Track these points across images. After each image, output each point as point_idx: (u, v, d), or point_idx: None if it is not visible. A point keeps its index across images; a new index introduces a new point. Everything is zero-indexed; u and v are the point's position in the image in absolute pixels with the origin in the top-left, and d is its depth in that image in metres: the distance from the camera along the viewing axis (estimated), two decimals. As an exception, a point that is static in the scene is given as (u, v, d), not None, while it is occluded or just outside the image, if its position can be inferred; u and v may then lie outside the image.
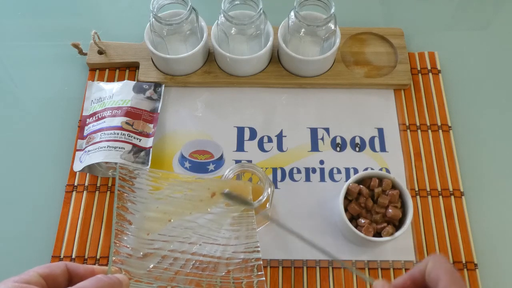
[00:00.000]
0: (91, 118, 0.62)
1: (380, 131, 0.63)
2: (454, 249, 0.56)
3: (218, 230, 0.45)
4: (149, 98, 0.63)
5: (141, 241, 0.41)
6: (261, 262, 0.43)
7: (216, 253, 0.44)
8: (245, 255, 0.44)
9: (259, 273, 0.43)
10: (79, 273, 0.36)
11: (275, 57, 0.67)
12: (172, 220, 0.44)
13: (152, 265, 0.41)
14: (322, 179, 0.60)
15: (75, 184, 0.60)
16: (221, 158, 0.61)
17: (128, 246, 0.40)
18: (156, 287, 0.40)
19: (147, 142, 0.60)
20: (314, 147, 0.62)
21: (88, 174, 0.60)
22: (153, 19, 0.60)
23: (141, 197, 0.44)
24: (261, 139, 0.63)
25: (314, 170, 0.61)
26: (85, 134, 0.61)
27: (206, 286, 0.42)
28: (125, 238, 0.40)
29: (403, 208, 0.53)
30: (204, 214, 0.45)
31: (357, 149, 0.62)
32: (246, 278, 0.43)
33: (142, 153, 0.59)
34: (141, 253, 0.41)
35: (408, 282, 0.38)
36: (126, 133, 0.59)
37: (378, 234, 0.52)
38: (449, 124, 0.64)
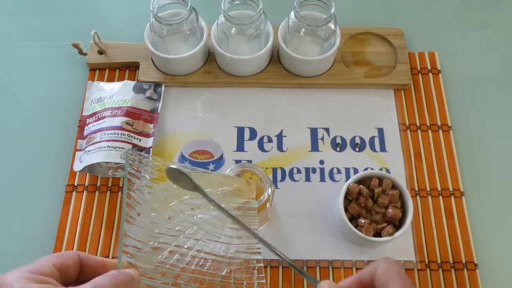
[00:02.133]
0: (91, 118, 0.62)
1: (380, 131, 0.63)
2: (454, 249, 0.56)
3: (222, 228, 0.45)
4: (149, 98, 0.63)
5: (149, 234, 0.41)
6: (262, 264, 0.43)
7: (220, 252, 0.43)
8: (247, 256, 0.44)
9: (260, 275, 0.42)
10: (89, 265, 0.35)
11: (275, 57, 0.67)
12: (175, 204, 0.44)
13: (158, 260, 0.40)
14: (322, 179, 0.60)
15: (75, 184, 0.60)
16: (221, 158, 0.61)
17: (137, 239, 0.39)
18: (161, 283, 0.39)
19: (147, 142, 0.60)
20: (314, 147, 0.62)
21: (88, 174, 0.60)
22: (153, 19, 0.60)
23: (150, 187, 0.43)
24: (261, 139, 0.63)
25: (314, 170, 0.61)
26: (85, 134, 0.61)
27: (207, 284, 0.41)
28: (134, 230, 0.39)
29: (403, 208, 0.53)
30: (208, 209, 0.45)
31: (357, 149, 0.62)
32: (247, 279, 0.42)
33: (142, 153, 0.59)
34: (150, 246, 0.40)
35: (354, 284, 0.37)
36: (126, 133, 0.59)
37: (378, 234, 0.52)
38: (449, 124, 0.64)
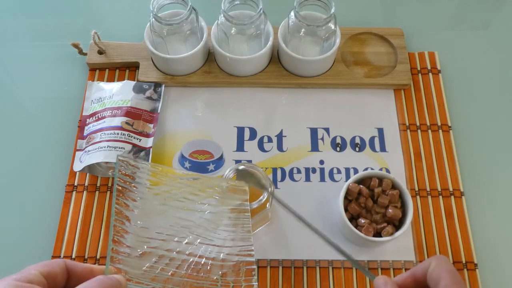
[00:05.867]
0: (91, 118, 0.62)
1: (380, 131, 0.63)
2: (454, 249, 0.56)
3: (214, 231, 0.45)
4: (149, 98, 0.63)
5: (139, 239, 0.41)
6: (255, 266, 0.43)
7: (211, 254, 0.43)
8: (239, 258, 0.44)
9: (254, 277, 0.42)
10: (77, 272, 0.35)
11: (275, 57, 0.67)
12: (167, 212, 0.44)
13: (148, 265, 0.41)
14: (322, 179, 0.60)
15: (75, 184, 0.60)
16: (221, 158, 0.61)
17: (126, 244, 0.40)
18: None
19: (147, 142, 0.60)
20: (314, 147, 0.62)
21: (88, 174, 0.60)
22: (153, 19, 0.60)
23: (141, 192, 0.43)
24: (261, 139, 0.63)
25: (314, 170, 0.61)
26: (85, 134, 0.61)
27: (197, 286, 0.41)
28: (124, 235, 0.40)
29: (403, 208, 0.53)
30: (201, 213, 0.45)
31: (357, 149, 0.62)
32: (238, 282, 0.42)
33: (142, 153, 0.59)
34: (139, 252, 0.41)
35: (409, 280, 0.38)
36: (126, 133, 0.59)
37: (378, 234, 0.52)
38: (449, 124, 0.64)
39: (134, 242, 0.40)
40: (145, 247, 0.41)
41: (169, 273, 0.41)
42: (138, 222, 0.42)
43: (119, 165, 0.42)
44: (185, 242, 0.43)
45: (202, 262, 0.43)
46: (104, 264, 0.37)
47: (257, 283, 0.43)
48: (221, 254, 0.44)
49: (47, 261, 0.35)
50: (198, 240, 0.44)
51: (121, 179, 0.42)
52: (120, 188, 0.41)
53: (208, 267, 0.43)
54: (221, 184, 0.48)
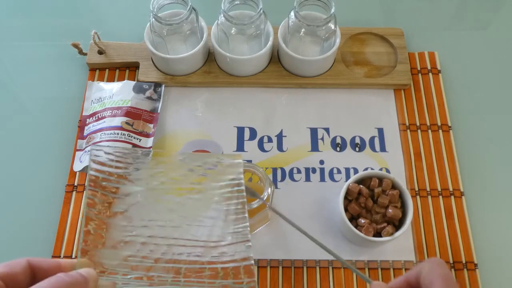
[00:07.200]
0: (91, 118, 0.62)
1: (380, 131, 0.63)
2: (454, 249, 0.56)
3: (205, 210, 0.41)
4: (149, 98, 0.63)
5: (118, 228, 0.39)
6: (253, 262, 0.40)
7: (202, 237, 0.40)
8: (233, 238, 0.40)
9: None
10: (43, 268, 0.34)
11: (275, 57, 0.67)
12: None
13: (128, 254, 0.38)
14: (322, 179, 0.60)
15: (75, 184, 0.60)
16: (221, 158, 0.61)
17: (101, 235, 0.38)
18: (131, 278, 0.37)
19: (147, 142, 0.60)
20: (314, 147, 0.62)
21: (88, 174, 0.60)
22: (153, 19, 0.60)
23: (118, 182, 0.41)
24: (261, 139, 0.63)
25: (314, 170, 0.61)
26: (85, 134, 0.61)
27: (184, 271, 0.39)
28: (99, 225, 0.38)
29: (403, 208, 0.53)
30: (189, 193, 0.42)
31: (357, 149, 0.62)
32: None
33: (142, 153, 0.59)
34: (118, 242, 0.38)
35: (404, 285, 0.37)
36: (126, 133, 0.59)
37: (378, 234, 0.52)
38: (449, 124, 0.64)
39: (112, 232, 0.39)
40: (125, 236, 0.39)
41: (152, 260, 0.39)
42: (117, 210, 0.40)
43: (93, 154, 0.40)
44: (171, 225, 0.40)
45: (191, 245, 0.40)
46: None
47: (253, 262, 0.40)
48: (213, 236, 0.40)
49: (7, 262, 0.33)
50: (186, 223, 0.41)
51: (95, 169, 0.40)
52: (93, 177, 0.40)
53: (201, 252, 0.40)
54: (212, 159, 0.44)
